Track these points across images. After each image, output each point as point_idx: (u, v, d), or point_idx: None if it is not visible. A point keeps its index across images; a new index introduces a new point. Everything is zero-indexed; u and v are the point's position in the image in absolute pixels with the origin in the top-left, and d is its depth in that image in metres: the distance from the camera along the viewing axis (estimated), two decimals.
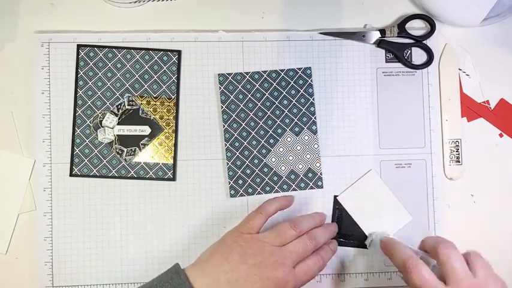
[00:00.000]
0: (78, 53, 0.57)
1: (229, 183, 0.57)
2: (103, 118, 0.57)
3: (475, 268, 0.45)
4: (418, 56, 0.59)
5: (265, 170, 0.58)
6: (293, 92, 0.58)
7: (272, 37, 0.59)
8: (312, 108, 0.58)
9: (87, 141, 0.57)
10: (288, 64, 0.58)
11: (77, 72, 0.57)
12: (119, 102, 0.58)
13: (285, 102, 0.58)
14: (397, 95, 0.59)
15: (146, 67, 0.58)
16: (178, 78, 0.58)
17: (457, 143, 0.59)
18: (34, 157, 0.57)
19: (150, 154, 0.57)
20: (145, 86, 0.58)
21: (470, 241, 0.58)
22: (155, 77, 0.58)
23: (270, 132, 0.58)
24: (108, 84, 0.57)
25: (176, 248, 0.57)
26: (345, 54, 0.59)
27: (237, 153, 0.58)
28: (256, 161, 0.58)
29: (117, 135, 0.57)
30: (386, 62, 0.59)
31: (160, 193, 0.57)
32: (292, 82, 0.58)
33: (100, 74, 0.58)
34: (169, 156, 0.57)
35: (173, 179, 0.57)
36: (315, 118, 0.58)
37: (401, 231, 0.58)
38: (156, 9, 0.59)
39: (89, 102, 0.57)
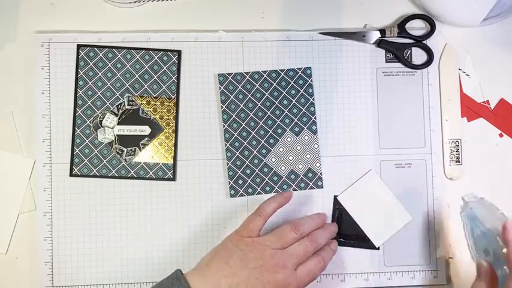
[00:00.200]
0: (78, 53, 0.57)
1: (229, 183, 0.57)
2: (103, 118, 0.57)
3: None
4: (418, 56, 0.59)
5: (265, 170, 0.58)
6: (293, 92, 0.58)
7: (272, 37, 0.59)
8: (312, 108, 0.58)
9: (87, 141, 0.57)
10: (288, 64, 0.58)
11: (77, 72, 0.57)
12: (119, 102, 0.58)
13: (285, 102, 0.58)
14: (397, 95, 0.59)
15: (146, 67, 0.58)
16: (178, 78, 0.58)
17: (457, 143, 0.59)
18: (34, 157, 0.57)
19: (150, 154, 0.57)
20: (145, 86, 0.58)
21: None
22: (155, 77, 0.58)
23: (270, 132, 0.58)
24: (108, 84, 0.57)
25: (176, 248, 0.57)
26: (345, 54, 0.59)
27: (237, 153, 0.58)
28: (256, 161, 0.58)
29: (117, 135, 0.57)
30: (386, 62, 0.59)
31: (160, 193, 0.57)
32: (292, 82, 0.58)
33: (100, 74, 0.58)
34: (169, 156, 0.57)
35: (173, 179, 0.57)
36: (315, 118, 0.58)
37: (401, 231, 0.58)
38: (156, 9, 0.59)
39: (89, 102, 0.57)
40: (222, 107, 0.58)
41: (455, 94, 0.59)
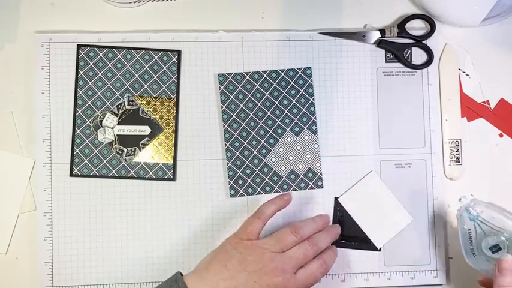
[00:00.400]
0: (78, 53, 0.57)
1: (229, 183, 0.57)
2: (103, 118, 0.57)
3: None
4: (418, 56, 0.59)
5: (265, 170, 0.58)
6: (293, 92, 0.58)
7: (272, 37, 0.59)
8: (312, 108, 0.58)
9: (87, 141, 0.57)
10: (288, 64, 0.58)
11: (77, 72, 0.57)
12: (119, 102, 0.58)
13: (285, 102, 0.58)
14: (397, 95, 0.59)
15: (146, 67, 0.58)
16: (178, 78, 0.58)
17: (457, 143, 0.59)
18: (34, 157, 0.57)
19: (150, 154, 0.57)
20: (145, 86, 0.58)
21: None
22: (155, 77, 0.58)
23: (270, 132, 0.58)
24: (108, 84, 0.57)
25: (176, 248, 0.57)
26: (345, 54, 0.59)
27: (237, 153, 0.58)
28: (256, 161, 0.58)
29: (117, 135, 0.57)
30: (387, 62, 0.59)
31: (160, 193, 0.57)
32: (292, 82, 0.58)
33: (100, 74, 0.58)
34: (169, 156, 0.57)
35: (173, 179, 0.57)
36: (315, 118, 0.58)
37: (401, 231, 0.58)
38: (156, 9, 0.59)
39: (89, 102, 0.57)
40: (222, 107, 0.58)
41: (455, 94, 0.59)
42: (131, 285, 0.57)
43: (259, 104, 0.58)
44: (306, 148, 0.58)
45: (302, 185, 0.58)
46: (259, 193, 0.57)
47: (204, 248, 0.57)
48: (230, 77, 0.58)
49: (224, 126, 0.58)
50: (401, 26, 0.59)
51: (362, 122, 0.59)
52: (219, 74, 0.58)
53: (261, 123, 0.58)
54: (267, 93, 0.58)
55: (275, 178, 0.58)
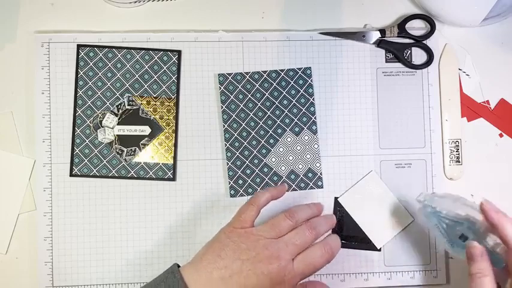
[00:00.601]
0: (78, 53, 0.57)
1: (229, 183, 0.57)
2: (103, 118, 0.57)
3: None
4: (418, 56, 0.59)
5: (265, 170, 0.58)
6: (293, 92, 0.58)
7: (272, 37, 0.59)
8: (312, 108, 0.58)
9: (87, 141, 0.57)
10: (288, 64, 0.58)
11: (77, 72, 0.57)
12: (119, 102, 0.58)
13: (285, 102, 0.58)
14: (397, 95, 0.59)
15: (146, 67, 0.58)
16: (178, 78, 0.58)
17: (457, 143, 0.59)
18: (34, 157, 0.57)
19: (150, 154, 0.57)
20: (145, 86, 0.58)
21: None
22: (155, 77, 0.58)
23: (270, 132, 0.58)
24: (108, 84, 0.57)
25: (176, 248, 0.57)
26: (345, 54, 0.59)
27: (237, 153, 0.58)
28: (256, 161, 0.58)
29: (117, 135, 0.57)
30: (387, 62, 0.59)
31: (161, 193, 0.57)
32: (292, 82, 0.58)
33: (100, 74, 0.58)
34: (169, 156, 0.57)
35: (173, 179, 0.57)
36: (315, 118, 0.58)
37: (402, 232, 0.58)
38: (156, 9, 0.59)
39: (89, 102, 0.57)
40: (222, 107, 0.58)
41: (455, 94, 0.59)
42: (131, 285, 0.57)
43: (259, 104, 0.58)
44: (306, 148, 0.58)
45: (302, 185, 0.58)
46: None
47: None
48: (230, 77, 0.58)
49: (224, 126, 0.58)
50: (401, 26, 0.59)
51: (362, 122, 0.59)
52: (219, 74, 0.58)
53: (261, 123, 0.58)
54: (267, 93, 0.58)
55: (275, 178, 0.58)
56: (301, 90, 0.58)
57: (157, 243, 0.57)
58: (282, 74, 0.58)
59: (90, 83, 0.57)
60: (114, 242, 0.57)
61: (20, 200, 0.57)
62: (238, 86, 0.58)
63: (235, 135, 0.58)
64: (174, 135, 0.58)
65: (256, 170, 0.58)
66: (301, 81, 0.58)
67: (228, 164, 0.57)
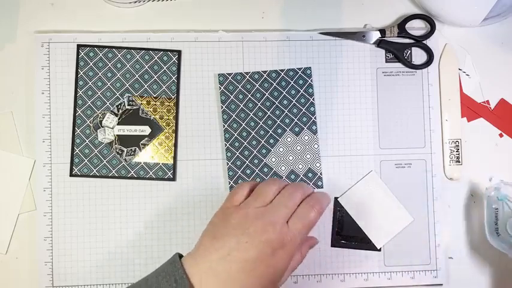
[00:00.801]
0: (78, 53, 0.57)
1: (229, 183, 0.57)
2: (103, 118, 0.57)
3: None
4: (418, 56, 0.59)
5: (265, 170, 0.58)
6: (293, 92, 0.58)
7: (272, 37, 0.59)
8: (312, 108, 0.58)
9: (87, 141, 0.57)
10: (288, 64, 0.58)
11: (77, 72, 0.57)
12: (119, 102, 0.58)
13: (285, 102, 0.58)
14: (397, 95, 0.59)
15: (146, 67, 0.58)
16: (178, 78, 0.58)
17: (457, 143, 0.59)
18: (34, 157, 0.57)
19: (150, 154, 0.57)
20: (145, 86, 0.58)
21: (470, 241, 0.59)
22: (155, 77, 0.58)
23: (270, 132, 0.58)
24: (108, 84, 0.58)
25: (176, 248, 0.57)
26: (345, 54, 0.59)
27: (237, 153, 0.58)
28: (256, 161, 0.58)
29: (117, 135, 0.57)
30: (387, 62, 0.59)
31: (161, 193, 0.57)
32: (292, 82, 0.58)
33: (100, 74, 0.58)
34: (169, 156, 0.57)
35: (173, 179, 0.57)
36: (315, 118, 0.58)
37: (401, 231, 0.58)
38: (156, 9, 0.59)
39: (89, 102, 0.57)
40: (222, 107, 0.58)
41: (455, 94, 0.59)
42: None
43: (259, 104, 0.58)
44: (306, 148, 0.58)
45: None
46: None
47: None
48: (230, 77, 0.58)
49: (224, 126, 0.58)
50: (401, 26, 0.59)
51: (362, 122, 0.59)
52: (219, 74, 0.58)
53: (261, 123, 0.58)
54: (267, 93, 0.58)
55: None
56: (301, 90, 0.58)
57: (157, 243, 0.57)
58: (282, 74, 0.58)
59: (90, 83, 0.57)
60: (114, 242, 0.57)
61: (20, 200, 0.57)
62: (238, 86, 0.58)
63: (235, 135, 0.58)
64: (174, 135, 0.58)
65: (256, 170, 0.58)
66: (301, 81, 0.58)
67: (228, 164, 0.57)
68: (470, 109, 0.60)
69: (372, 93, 0.59)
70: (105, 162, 0.57)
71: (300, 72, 0.58)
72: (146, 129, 0.57)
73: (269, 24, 0.59)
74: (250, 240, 0.45)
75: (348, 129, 0.59)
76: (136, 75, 0.58)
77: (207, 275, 0.44)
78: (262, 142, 0.58)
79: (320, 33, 0.59)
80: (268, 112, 0.58)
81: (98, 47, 0.58)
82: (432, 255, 0.58)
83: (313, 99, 0.58)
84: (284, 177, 0.58)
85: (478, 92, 0.60)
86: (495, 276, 0.58)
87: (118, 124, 0.57)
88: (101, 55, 0.58)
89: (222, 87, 0.58)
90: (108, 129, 0.57)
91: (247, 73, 0.58)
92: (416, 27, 0.59)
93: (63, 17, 0.58)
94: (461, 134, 0.59)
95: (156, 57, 0.58)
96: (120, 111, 0.58)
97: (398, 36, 0.59)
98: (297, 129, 0.58)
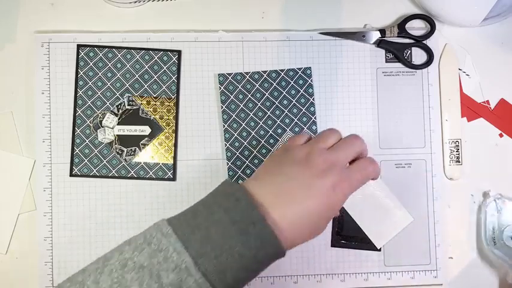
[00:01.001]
0: (78, 53, 0.57)
1: None
2: (103, 118, 0.57)
3: None
4: (418, 56, 0.59)
5: None
6: (293, 92, 0.58)
7: (272, 37, 0.59)
8: (312, 108, 0.58)
9: (87, 141, 0.57)
10: (288, 64, 0.58)
11: (77, 72, 0.58)
12: (119, 102, 0.58)
13: (285, 102, 0.58)
14: (397, 95, 0.59)
15: (146, 67, 0.58)
16: (178, 78, 0.58)
17: (457, 143, 0.59)
18: (34, 157, 0.57)
19: (150, 154, 0.57)
20: (145, 86, 0.58)
21: (470, 241, 0.59)
22: (155, 77, 0.58)
23: (270, 132, 0.58)
24: (108, 84, 0.58)
25: None
26: (345, 54, 0.59)
27: (237, 153, 0.58)
28: (256, 161, 0.58)
29: (117, 135, 0.57)
30: (387, 62, 0.59)
31: (161, 193, 0.57)
32: (292, 82, 0.58)
33: (100, 74, 0.58)
34: (169, 156, 0.57)
35: (173, 179, 0.57)
36: (315, 118, 0.58)
37: (401, 231, 0.58)
38: (156, 9, 0.59)
39: (89, 102, 0.57)
40: (222, 107, 0.58)
41: (455, 94, 0.59)
42: None
43: (259, 104, 0.58)
44: None
45: None
46: None
47: None
48: (230, 77, 0.58)
49: (224, 126, 0.58)
50: (401, 26, 0.59)
51: (362, 122, 0.59)
52: (219, 74, 0.58)
53: (261, 123, 0.58)
54: (267, 93, 0.58)
55: None
56: (301, 90, 0.58)
57: None
58: (282, 74, 0.58)
59: (90, 83, 0.57)
60: (114, 242, 0.57)
61: (20, 200, 0.57)
62: (238, 86, 0.58)
63: (235, 135, 0.58)
64: (174, 135, 0.58)
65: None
66: (301, 81, 0.58)
67: (228, 164, 0.57)
68: (470, 109, 0.60)
69: (372, 93, 0.59)
70: (105, 162, 0.57)
71: (300, 72, 0.58)
72: (146, 129, 0.57)
73: (269, 24, 0.59)
74: (314, 172, 0.43)
75: (347, 129, 0.58)
76: (136, 75, 0.58)
77: (272, 195, 0.42)
78: (262, 142, 0.58)
79: (320, 33, 0.59)
80: (268, 112, 0.58)
81: (98, 47, 0.58)
82: (432, 255, 0.58)
83: (313, 99, 0.58)
84: None
85: (478, 92, 0.60)
86: (495, 276, 0.58)
87: (118, 124, 0.57)
88: (101, 55, 0.58)
89: (222, 87, 0.58)
90: (108, 129, 0.57)
91: (247, 73, 0.58)
92: (416, 27, 0.59)
93: (63, 17, 0.58)
94: (461, 134, 0.59)
95: (156, 57, 0.58)
96: (120, 111, 0.58)
97: (398, 36, 0.59)
98: (297, 129, 0.58)
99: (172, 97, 0.58)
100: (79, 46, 0.57)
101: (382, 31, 0.59)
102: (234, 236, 0.39)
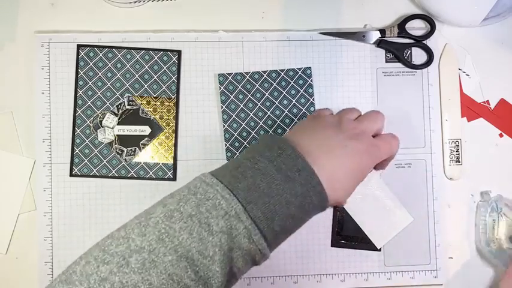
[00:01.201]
0: (78, 53, 0.57)
1: None
2: (103, 118, 0.57)
3: None
4: (418, 56, 0.59)
5: None
6: (293, 92, 0.58)
7: (272, 37, 0.59)
8: (312, 108, 0.58)
9: (87, 141, 0.57)
10: (288, 64, 0.58)
11: (77, 72, 0.58)
12: (119, 102, 0.58)
13: (285, 102, 0.58)
14: (397, 95, 0.59)
15: (146, 67, 0.58)
16: (178, 78, 0.58)
17: (457, 143, 0.59)
18: (34, 157, 0.57)
19: (150, 154, 0.57)
20: (145, 86, 0.58)
21: (470, 241, 0.59)
22: (155, 77, 0.58)
23: (270, 132, 0.58)
24: (108, 84, 0.58)
25: None
26: (345, 54, 0.59)
27: (237, 153, 0.58)
28: None
29: (117, 135, 0.57)
30: (387, 62, 0.59)
31: (161, 193, 0.57)
32: (292, 82, 0.58)
33: (100, 74, 0.58)
34: (169, 156, 0.57)
35: (173, 179, 0.57)
36: None
37: (401, 231, 0.58)
38: (156, 9, 0.59)
39: (89, 102, 0.57)
40: (222, 107, 0.58)
41: (455, 94, 0.59)
42: None
43: (259, 104, 0.58)
44: None
45: None
46: None
47: None
48: (230, 77, 0.58)
49: (224, 126, 0.58)
50: (401, 26, 0.59)
51: None
52: (219, 74, 0.58)
53: (261, 123, 0.58)
54: (267, 93, 0.58)
55: None
56: (301, 90, 0.58)
57: None
58: (282, 74, 0.58)
59: (90, 83, 0.57)
60: None
61: (20, 200, 0.57)
62: (238, 86, 0.58)
63: (235, 135, 0.58)
64: (174, 135, 0.58)
65: None
66: (301, 81, 0.58)
67: None
68: (470, 109, 0.60)
69: (372, 93, 0.59)
70: (105, 162, 0.57)
71: (300, 72, 0.58)
72: (146, 129, 0.57)
73: (269, 24, 0.59)
74: (348, 135, 0.45)
75: None
76: (136, 75, 0.58)
77: (312, 147, 0.43)
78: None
79: (320, 33, 0.59)
80: (268, 112, 0.58)
81: (98, 47, 0.58)
82: (432, 255, 0.58)
83: (313, 99, 0.58)
84: None
85: (478, 92, 0.60)
86: (495, 276, 0.58)
87: (118, 124, 0.57)
88: (101, 55, 0.58)
89: (222, 87, 0.58)
90: (108, 129, 0.57)
91: (247, 73, 0.58)
92: (416, 27, 0.59)
93: (63, 17, 0.58)
94: (461, 134, 0.59)
95: (156, 57, 0.58)
96: (120, 111, 0.58)
97: (398, 36, 0.59)
98: None
99: (172, 97, 0.58)
100: (79, 46, 0.57)
101: (382, 31, 0.59)
102: (281, 183, 0.40)
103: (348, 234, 0.58)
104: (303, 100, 0.58)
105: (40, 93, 0.57)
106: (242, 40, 0.58)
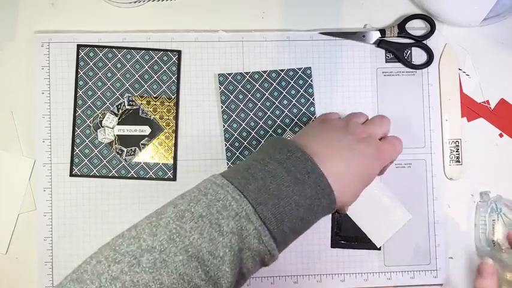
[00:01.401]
0: (78, 53, 0.57)
1: None
2: (103, 118, 0.57)
3: None
4: (418, 56, 0.59)
5: None
6: (293, 92, 0.58)
7: (272, 37, 0.59)
8: (312, 108, 0.58)
9: (87, 141, 0.57)
10: (288, 64, 0.58)
11: (77, 72, 0.57)
12: (119, 102, 0.58)
13: (285, 102, 0.58)
14: (397, 95, 0.59)
15: (146, 67, 0.58)
16: (178, 78, 0.58)
17: (457, 143, 0.59)
18: (34, 157, 0.57)
19: (150, 154, 0.57)
20: (145, 86, 0.58)
21: (470, 241, 0.59)
22: (155, 77, 0.58)
23: (270, 132, 0.58)
24: (108, 84, 0.58)
25: None
26: (345, 54, 0.59)
27: (237, 153, 0.58)
28: None
29: (117, 135, 0.57)
30: (387, 62, 0.59)
31: (161, 193, 0.57)
32: (292, 82, 0.58)
33: (100, 74, 0.58)
34: (169, 156, 0.57)
35: (173, 179, 0.57)
36: (315, 118, 0.58)
37: (401, 231, 0.58)
38: (156, 9, 0.59)
39: (89, 102, 0.57)
40: (222, 107, 0.58)
41: (455, 94, 0.59)
42: None
43: (259, 104, 0.58)
44: None
45: None
46: None
47: None
48: (230, 77, 0.58)
49: (224, 126, 0.58)
50: (401, 26, 0.59)
51: None
52: (219, 74, 0.58)
53: (261, 123, 0.58)
54: (267, 93, 0.58)
55: None
56: (301, 90, 0.58)
57: None
58: (282, 74, 0.58)
59: (90, 83, 0.57)
60: None
61: (20, 200, 0.57)
62: (238, 86, 0.58)
63: (235, 135, 0.58)
64: (174, 135, 0.58)
65: None
66: (301, 81, 0.58)
67: (228, 164, 0.57)
68: (470, 109, 0.60)
69: (372, 93, 0.59)
70: (105, 162, 0.57)
71: (300, 72, 0.58)
72: (146, 129, 0.57)
73: (269, 24, 0.59)
74: (355, 138, 0.46)
75: None
76: (136, 75, 0.58)
77: (321, 149, 0.44)
78: (262, 142, 0.58)
79: (320, 33, 0.59)
80: (268, 112, 0.58)
81: (98, 47, 0.58)
82: (432, 255, 0.58)
83: (313, 99, 0.58)
84: None
85: (478, 92, 0.60)
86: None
87: (118, 124, 0.57)
88: (101, 55, 0.57)
89: (222, 87, 0.58)
90: (108, 129, 0.57)
91: (247, 73, 0.58)
92: (416, 27, 0.59)
93: (63, 17, 0.58)
94: (461, 134, 0.59)
95: (156, 57, 0.58)
96: (120, 111, 0.58)
97: (398, 36, 0.59)
98: (297, 129, 0.58)
99: (172, 97, 0.58)
100: (79, 46, 0.57)
101: (382, 31, 0.59)
102: (290, 185, 0.40)
103: (347, 235, 0.58)
104: (303, 100, 0.58)
105: (40, 93, 0.57)
106: (242, 40, 0.58)
